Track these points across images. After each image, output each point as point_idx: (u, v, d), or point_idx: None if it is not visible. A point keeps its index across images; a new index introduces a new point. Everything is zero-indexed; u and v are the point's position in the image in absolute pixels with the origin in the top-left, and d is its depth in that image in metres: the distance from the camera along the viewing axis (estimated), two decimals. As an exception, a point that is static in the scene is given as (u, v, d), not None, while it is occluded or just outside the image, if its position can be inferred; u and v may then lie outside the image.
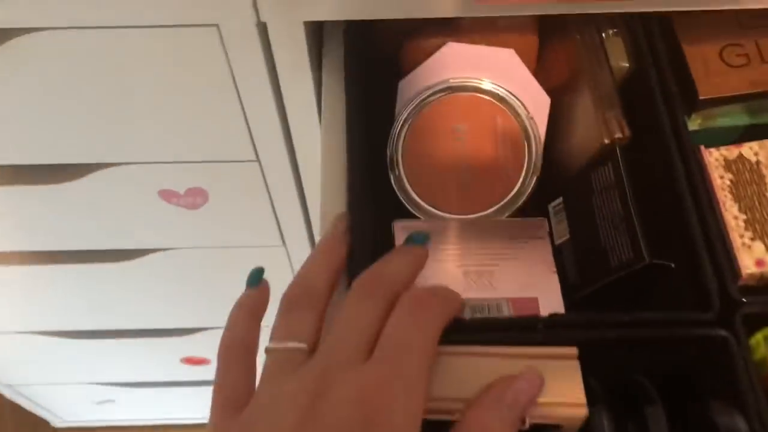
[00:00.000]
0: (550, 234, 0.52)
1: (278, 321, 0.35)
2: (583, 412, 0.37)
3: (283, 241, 0.73)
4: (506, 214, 0.52)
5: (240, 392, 0.34)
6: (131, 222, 0.72)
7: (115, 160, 0.62)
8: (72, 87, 0.54)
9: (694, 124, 0.50)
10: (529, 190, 0.52)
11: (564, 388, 0.38)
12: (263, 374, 0.34)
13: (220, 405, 0.34)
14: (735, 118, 0.50)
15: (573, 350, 0.39)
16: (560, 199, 0.53)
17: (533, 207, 0.54)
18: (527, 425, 0.37)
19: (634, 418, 0.40)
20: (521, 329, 0.40)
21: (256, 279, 0.39)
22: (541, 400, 0.38)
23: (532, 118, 0.52)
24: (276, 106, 0.54)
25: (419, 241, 0.41)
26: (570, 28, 0.53)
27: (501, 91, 0.52)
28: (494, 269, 0.50)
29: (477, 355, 0.39)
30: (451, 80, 0.52)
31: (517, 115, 0.52)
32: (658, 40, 0.50)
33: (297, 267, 0.56)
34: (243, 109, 0.54)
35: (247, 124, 0.56)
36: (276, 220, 0.70)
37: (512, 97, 0.52)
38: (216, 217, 0.69)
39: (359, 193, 0.46)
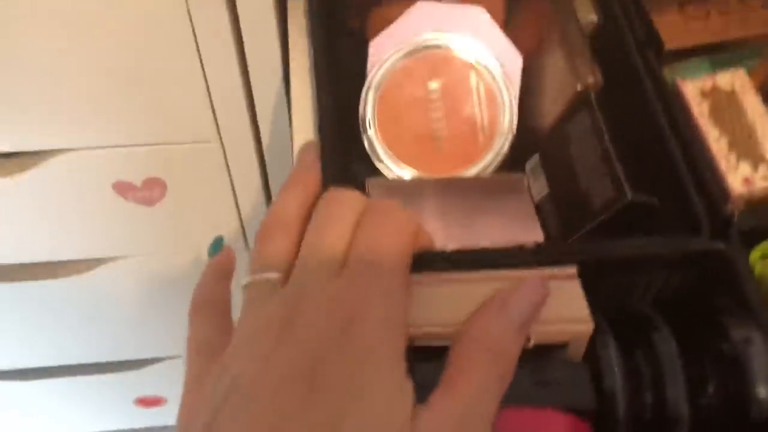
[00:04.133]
0: (529, 192, 0.51)
1: (252, 255, 0.34)
2: (589, 327, 0.35)
3: (246, 244, 0.70)
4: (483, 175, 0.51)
5: (214, 343, 0.32)
6: (82, 225, 0.68)
7: (63, 146, 0.58)
8: (18, 57, 0.50)
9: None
10: (506, 149, 0.51)
11: (567, 306, 0.36)
12: (241, 312, 0.32)
13: (195, 354, 0.33)
14: (701, 70, 0.51)
15: (573, 269, 0.37)
16: (536, 156, 0.52)
17: (510, 168, 0.53)
18: (531, 344, 0.35)
19: (642, 346, 0.38)
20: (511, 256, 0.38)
21: (218, 247, 0.39)
22: (544, 318, 0.35)
23: (506, 75, 0.51)
24: (239, 70, 0.52)
25: None
26: (536, -10, 0.54)
27: (473, 49, 0.51)
28: (474, 223, 0.48)
29: (467, 281, 0.36)
30: (423, 38, 0.51)
31: (490, 72, 0.51)
32: (623, -5, 0.51)
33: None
34: (204, 72, 0.52)
35: (209, 91, 0.53)
36: (240, 219, 0.67)
37: (485, 54, 0.51)
38: (174, 215, 0.66)
39: (332, 145, 0.44)
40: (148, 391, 0.97)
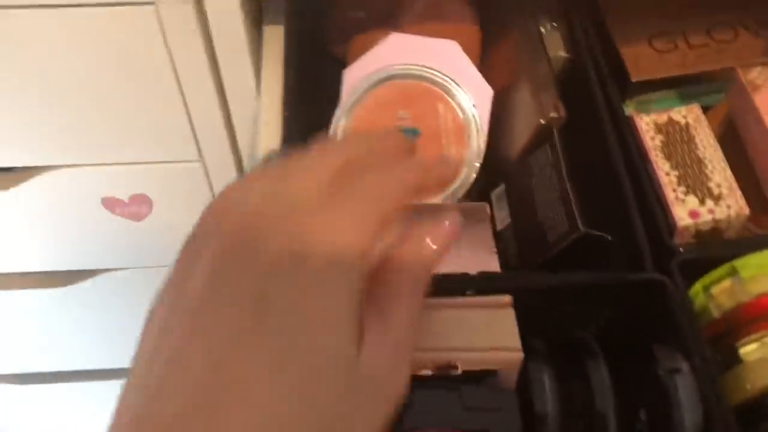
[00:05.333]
0: (492, 221, 0.52)
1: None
2: (518, 356, 0.36)
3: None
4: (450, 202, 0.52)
5: None
6: (73, 238, 0.70)
7: (55, 162, 0.61)
8: (2, 79, 0.53)
9: (629, 109, 0.51)
10: (472, 178, 0.52)
11: (499, 335, 0.37)
12: None
13: None
14: (668, 102, 0.51)
15: (507, 298, 0.38)
16: (502, 186, 0.53)
17: (478, 197, 0.54)
18: (460, 371, 0.36)
19: (576, 373, 0.38)
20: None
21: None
22: (475, 346, 0.36)
23: (474, 106, 0.52)
24: (217, 94, 0.54)
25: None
26: (511, 26, 0.55)
27: (444, 80, 0.53)
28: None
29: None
30: (395, 68, 0.53)
31: (459, 103, 0.52)
32: (592, 32, 0.52)
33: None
34: (183, 97, 0.54)
35: (189, 114, 0.56)
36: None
37: (455, 86, 0.52)
38: (161, 229, 0.68)
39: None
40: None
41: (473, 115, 0.52)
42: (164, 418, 0.23)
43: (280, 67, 0.51)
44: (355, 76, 0.53)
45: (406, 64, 0.53)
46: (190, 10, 0.48)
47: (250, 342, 0.24)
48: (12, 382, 0.93)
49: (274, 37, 0.53)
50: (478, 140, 0.52)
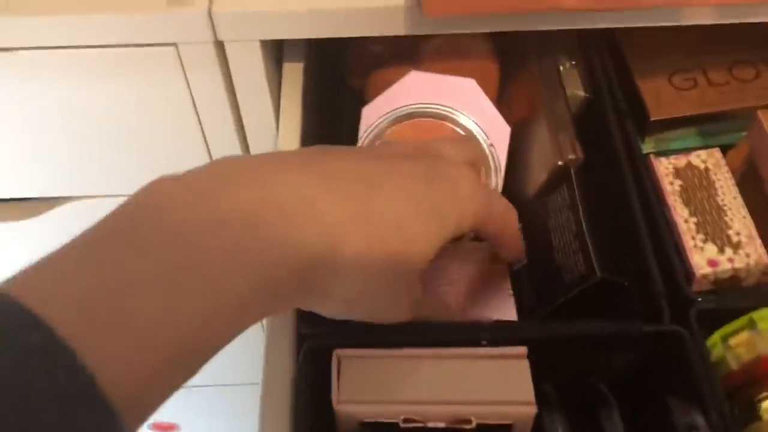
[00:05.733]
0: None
1: None
2: (532, 410, 0.36)
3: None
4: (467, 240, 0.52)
5: None
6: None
7: (74, 194, 0.62)
8: (27, 113, 0.55)
9: (648, 147, 0.51)
10: (489, 216, 0.52)
11: (513, 387, 0.36)
12: None
13: None
14: (687, 141, 0.51)
15: (522, 350, 0.37)
16: (519, 226, 0.52)
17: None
18: (474, 425, 0.35)
19: (590, 423, 0.38)
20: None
21: None
22: (489, 399, 0.36)
23: (492, 146, 0.52)
24: (236, 131, 0.55)
25: None
26: (530, 63, 0.55)
27: (462, 118, 0.53)
28: (448, 289, 0.49)
29: (424, 357, 0.38)
30: (413, 106, 0.53)
31: (478, 141, 0.52)
32: (611, 70, 0.52)
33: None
34: (204, 134, 0.55)
35: (208, 149, 0.56)
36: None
37: (473, 124, 0.52)
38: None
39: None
40: (164, 418, 1.00)
41: (491, 154, 0.52)
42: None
43: (299, 104, 0.51)
44: (373, 114, 0.53)
45: (424, 103, 0.53)
46: (210, 49, 0.49)
47: (417, 182, 0.35)
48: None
49: (294, 74, 0.53)
50: (496, 179, 0.52)
